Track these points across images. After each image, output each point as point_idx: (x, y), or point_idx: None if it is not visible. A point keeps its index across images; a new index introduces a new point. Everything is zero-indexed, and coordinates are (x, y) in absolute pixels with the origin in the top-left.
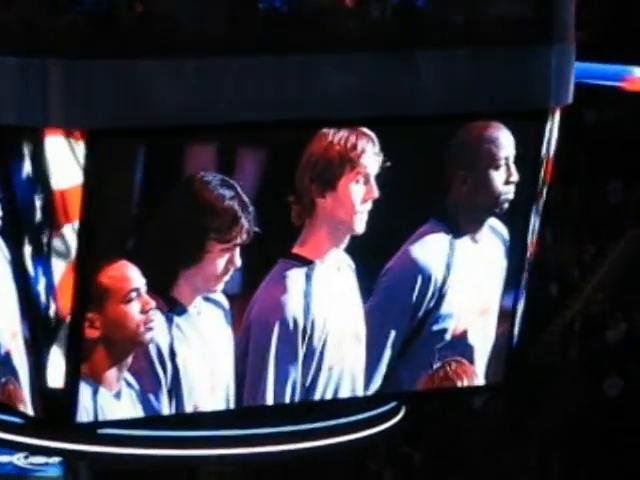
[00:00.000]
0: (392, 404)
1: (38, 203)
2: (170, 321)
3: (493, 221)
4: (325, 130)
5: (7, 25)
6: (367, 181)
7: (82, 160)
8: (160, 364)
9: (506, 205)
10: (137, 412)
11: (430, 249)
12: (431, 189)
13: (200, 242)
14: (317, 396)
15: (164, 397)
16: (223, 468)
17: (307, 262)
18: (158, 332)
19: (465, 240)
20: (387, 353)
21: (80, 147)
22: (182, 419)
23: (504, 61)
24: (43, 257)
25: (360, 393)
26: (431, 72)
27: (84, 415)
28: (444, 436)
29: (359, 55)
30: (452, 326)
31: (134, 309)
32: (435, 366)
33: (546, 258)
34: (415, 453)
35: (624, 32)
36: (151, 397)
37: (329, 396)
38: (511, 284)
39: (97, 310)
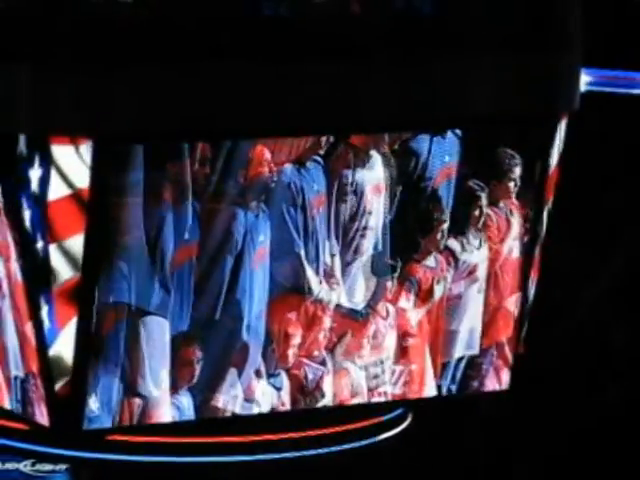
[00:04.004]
0: (399, 411)
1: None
2: None
3: None
4: None
5: None
6: None
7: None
8: None
9: None
10: None
11: None
12: None
13: None
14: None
15: None
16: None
17: None
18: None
19: None
20: None
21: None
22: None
23: (511, 67)
24: None
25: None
26: (441, 81)
27: None
28: (451, 443)
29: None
30: None
31: None
32: None
33: (548, 264)
34: (421, 460)
35: (632, 38)
36: None
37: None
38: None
39: None
